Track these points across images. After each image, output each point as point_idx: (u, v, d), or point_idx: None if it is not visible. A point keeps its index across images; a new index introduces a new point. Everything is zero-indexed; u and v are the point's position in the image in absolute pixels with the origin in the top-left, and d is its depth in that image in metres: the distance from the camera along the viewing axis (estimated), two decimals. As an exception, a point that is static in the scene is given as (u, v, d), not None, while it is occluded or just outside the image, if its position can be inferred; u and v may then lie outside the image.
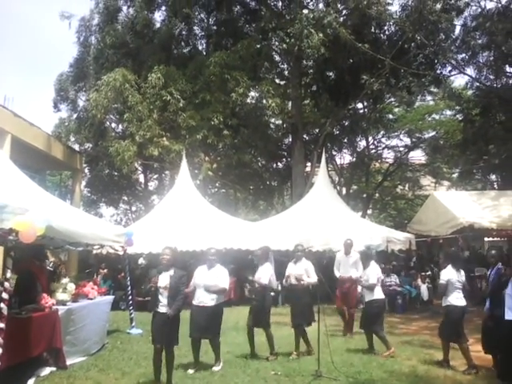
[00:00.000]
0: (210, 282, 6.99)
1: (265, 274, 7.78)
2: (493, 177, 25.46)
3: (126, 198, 32.20)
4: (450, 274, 7.17)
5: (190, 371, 6.82)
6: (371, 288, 8.13)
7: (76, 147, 24.93)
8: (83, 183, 26.63)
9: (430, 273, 15.62)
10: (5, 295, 5.69)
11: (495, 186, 24.95)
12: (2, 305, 5.61)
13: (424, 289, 14.06)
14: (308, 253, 12.70)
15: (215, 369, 6.95)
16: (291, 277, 8.00)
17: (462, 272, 7.29)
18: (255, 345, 7.82)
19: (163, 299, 6.00)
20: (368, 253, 8.93)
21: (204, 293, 7.00)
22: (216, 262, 7.22)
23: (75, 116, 26.02)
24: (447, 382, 6.42)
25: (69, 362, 7.15)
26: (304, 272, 8.01)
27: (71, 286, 8.23)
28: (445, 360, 7.24)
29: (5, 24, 66.48)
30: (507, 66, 18.30)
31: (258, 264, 8.19)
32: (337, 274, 9.96)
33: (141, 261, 17.23)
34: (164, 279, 6.05)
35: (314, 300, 7.49)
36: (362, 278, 8.37)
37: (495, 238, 21.79)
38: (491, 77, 19.06)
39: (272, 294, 12.87)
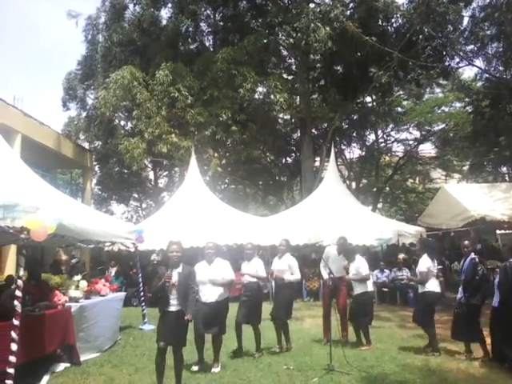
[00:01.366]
0: (214, 277, 6.85)
1: (260, 267, 7.74)
2: (504, 169, 25.29)
3: (136, 195, 32.39)
4: (428, 262, 7.66)
5: (195, 368, 6.76)
6: (364, 280, 8.08)
7: (86, 145, 25.11)
8: (94, 181, 26.87)
9: (441, 266, 15.52)
10: (18, 293, 5.75)
11: (506, 178, 24.76)
12: (16, 302, 5.67)
13: (437, 283, 13.96)
14: (318, 247, 12.73)
15: (215, 370, 6.72)
16: (275, 272, 7.92)
17: (436, 261, 7.82)
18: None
19: (172, 297, 5.77)
20: (352, 247, 8.73)
21: (210, 289, 6.83)
22: (215, 255, 7.02)
23: (84, 114, 26.20)
24: (460, 374, 6.40)
25: (82, 358, 7.22)
26: (287, 267, 7.89)
27: (83, 283, 8.30)
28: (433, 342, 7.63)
29: (13, 24, 66.91)
30: (517, 56, 18.09)
31: (246, 259, 7.90)
32: (324, 273, 8.48)
33: (153, 257, 17.34)
34: (172, 276, 5.82)
35: (296, 295, 7.63)
36: (350, 272, 8.13)
37: (507, 231, 21.64)
38: (500, 68, 18.85)
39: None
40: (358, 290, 8.12)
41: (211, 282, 6.83)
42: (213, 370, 6.73)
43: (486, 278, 7.41)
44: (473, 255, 7.50)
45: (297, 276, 7.95)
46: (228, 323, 7.12)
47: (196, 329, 6.81)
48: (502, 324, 6.86)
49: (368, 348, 7.82)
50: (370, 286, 8.24)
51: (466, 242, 7.76)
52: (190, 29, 22.99)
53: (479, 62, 19.16)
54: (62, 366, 6.84)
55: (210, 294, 6.82)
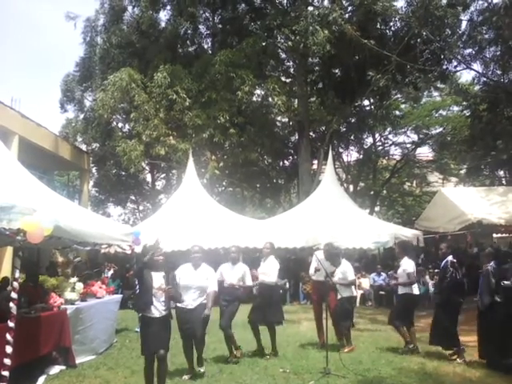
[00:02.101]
0: (200, 282, 6.54)
1: (247, 274, 7.71)
2: (501, 172, 25.29)
3: (133, 198, 32.39)
4: (412, 263, 7.89)
5: (186, 377, 6.48)
6: (351, 284, 8.05)
7: (83, 147, 25.12)
8: (91, 183, 26.82)
9: (437, 270, 15.54)
10: (14, 295, 5.72)
11: (503, 181, 24.77)
12: (12, 304, 5.65)
13: (432, 285, 14.01)
14: (315, 250, 12.71)
15: (201, 370, 6.66)
16: (259, 276, 7.89)
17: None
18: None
19: (157, 302, 5.45)
20: (336, 252, 8.43)
21: (193, 294, 6.50)
22: (201, 260, 6.71)
23: (82, 116, 26.23)
24: (456, 378, 6.40)
25: (78, 360, 7.20)
26: (268, 271, 7.82)
27: (79, 285, 8.27)
28: (407, 343, 7.83)
29: (11, 25, 66.89)
30: (514, 60, 18.14)
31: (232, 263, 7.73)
32: (313, 276, 8.39)
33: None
34: (157, 280, 5.51)
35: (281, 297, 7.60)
36: (336, 276, 7.97)
37: (504, 234, 21.66)
38: (498, 72, 18.89)
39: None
40: (344, 294, 7.92)
41: (198, 288, 6.52)
42: (199, 369, 6.69)
43: (458, 281, 7.43)
44: (450, 258, 7.59)
45: (271, 279, 7.74)
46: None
47: (184, 336, 6.57)
48: (483, 327, 7.14)
49: (349, 349, 7.80)
50: (354, 291, 8.20)
51: (443, 245, 8.08)
52: (189, 31, 23.06)
53: (477, 66, 19.19)
54: (57, 369, 6.81)
55: (192, 300, 6.49)
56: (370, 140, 28.99)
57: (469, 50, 18.67)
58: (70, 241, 7.91)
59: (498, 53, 18.04)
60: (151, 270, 5.55)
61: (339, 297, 7.94)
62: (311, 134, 23.87)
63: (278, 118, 23.97)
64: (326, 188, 16.80)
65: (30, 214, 5.80)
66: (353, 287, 8.20)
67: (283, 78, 22.35)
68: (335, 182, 17.81)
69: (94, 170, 27.53)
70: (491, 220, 13.52)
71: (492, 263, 7.18)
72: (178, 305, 6.47)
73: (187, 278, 6.51)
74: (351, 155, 29.81)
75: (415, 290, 7.96)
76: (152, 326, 5.42)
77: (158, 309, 5.46)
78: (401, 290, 7.93)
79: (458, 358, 7.34)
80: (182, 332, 6.57)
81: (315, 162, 23.57)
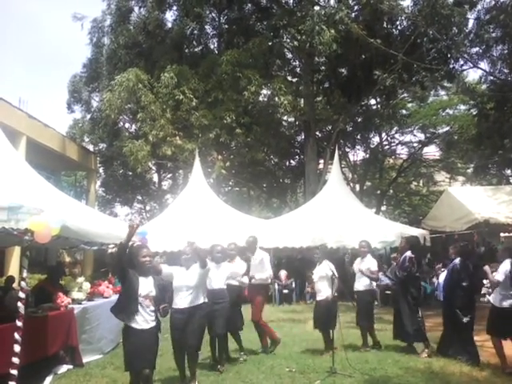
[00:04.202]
0: (191, 283, 6.08)
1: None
2: (508, 171, 25.18)
3: (140, 198, 32.48)
4: (375, 263, 8.03)
5: None
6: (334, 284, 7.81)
7: (90, 148, 25.26)
8: (98, 183, 26.97)
9: (444, 269, 15.47)
10: (22, 294, 5.77)
11: (511, 180, 24.65)
12: (19, 304, 5.69)
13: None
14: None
15: None
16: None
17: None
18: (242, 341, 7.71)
19: (144, 312, 4.86)
20: (323, 251, 8.49)
21: (184, 294, 6.06)
22: (193, 260, 6.22)
23: (89, 117, 26.36)
24: (463, 378, 6.37)
25: (85, 360, 7.23)
26: (237, 271, 7.56)
27: (86, 285, 8.33)
28: (375, 343, 8.06)
29: (19, 26, 67.27)
30: (522, 59, 18.03)
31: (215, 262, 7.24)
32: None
33: (157, 259, 17.33)
34: (145, 286, 4.93)
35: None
36: (318, 275, 7.85)
37: (511, 234, 21.52)
38: (505, 70, 18.78)
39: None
40: (322, 294, 7.76)
41: (191, 289, 6.07)
42: None
43: (414, 275, 7.82)
44: (408, 253, 7.87)
45: (245, 280, 7.62)
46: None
47: (174, 341, 6.07)
48: (445, 320, 7.55)
49: (329, 354, 7.43)
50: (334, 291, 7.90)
51: (403, 239, 8.44)
52: (195, 31, 23.11)
53: (484, 65, 19.07)
54: (64, 368, 6.85)
55: (184, 300, 6.04)
56: (376, 139, 28.96)
57: (476, 49, 18.60)
58: (78, 241, 7.95)
59: (506, 51, 17.92)
60: (139, 274, 4.97)
61: (318, 298, 7.82)
62: (317, 133, 23.88)
63: (285, 118, 23.97)
64: (332, 187, 16.81)
65: (37, 214, 5.84)
66: (333, 287, 7.73)
67: (289, 78, 22.37)
68: (341, 182, 17.81)
69: (101, 170, 27.65)
70: (498, 219, 13.49)
71: (458, 259, 7.41)
72: (173, 306, 6.07)
73: (179, 278, 6.13)
74: (358, 154, 29.82)
75: (372, 286, 8.18)
76: (137, 339, 4.79)
77: (145, 319, 4.86)
78: (363, 287, 7.88)
79: (423, 351, 7.56)
80: (172, 340, 6.06)
81: (321, 161, 23.56)
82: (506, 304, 6.73)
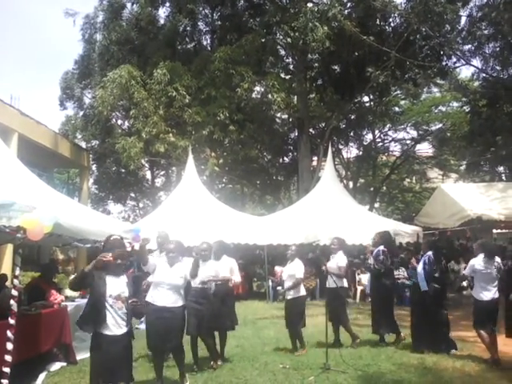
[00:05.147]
0: (174, 280, 5.84)
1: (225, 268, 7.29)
2: (501, 168, 25.29)
3: (133, 195, 32.37)
4: (344, 259, 8.07)
5: None
6: (298, 284, 7.76)
7: (83, 144, 25.12)
8: (91, 180, 26.85)
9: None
10: (14, 292, 5.74)
11: (503, 177, 24.78)
12: (12, 301, 5.66)
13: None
14: (315, 247, 12.74)
15: None
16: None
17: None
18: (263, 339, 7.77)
19: (115, 315, 4.38)
20: (297, 249, 8.30)
21: (165, 292, 5.79)
22: (177, 257, 6.01)
23: (81, 113, 26.22)
24: (455, 373, 6.41)
25: (79, 357, 7.19)
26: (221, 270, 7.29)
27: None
28: (336, 340, 8.01)
29: (10, 22, 66.78)
30: (513, 56, 18.12)
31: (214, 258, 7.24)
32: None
33: (151, 256, 17.30)
34: (115, 287, 4.45)
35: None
36: (287, 273, 7.84)
37: (504, 230, 21.62)
38: (498, 67, 18.89)
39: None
40: (292, 293, 7.72)
41: (172, 286, 5.82)
42: None
43: (388, 267, 8.18)
44: (381, 247, 8.18)
45: (236, 278, 7.44)
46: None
47: (151, 341, 5.82)
48: (414, 312, 7.84)
49: (302, 353, 7.52)
50: (302, 290, 7.86)
51: (376, 236, 8.65)
52: (188, 28, 23.06)
53: (476, 62, 19.17)
54: (58, 365, 6.83)
55: (163, 298, 5.77)
56: (369, 136, 29.07)
57: (468, 46, 18.71)
58: (70, 238, 7.91)
59: (498, 48, 18.04)
60: (107, 273, 4.52)
61: (288, 297, 7.75)
62: (311, 130, 23.89)
63: (278, 115, 23.95)
64: (325, 185, 16.83)
65: (29, 211, 5.80)
66: (301, 287, 7.84)
67: (282, 75, 22.32)
68: (335, 179, 17.84)
69: (93, 167, 27.52)
70: (491, 216, 13.53)
71: (430, 252, 7.75)
72: (150, 301, 5.81)
73: (161, 274, 5.86)
74: (351, 152, 29.91)
75: (345, 283, 8.19)
76: (108, 347, 4.27)
77: (117, 323, 4.36)
78: (334, 284, 7.81)
79: (396, 342, 7.93)
80: (150, 341, 5.78)
81: (315, 158, 23.59)
82: (485, 297, 6.92)
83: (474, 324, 7.08)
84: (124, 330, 4.39)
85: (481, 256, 7.10)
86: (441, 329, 7.51)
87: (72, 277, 4.47)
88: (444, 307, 7.68)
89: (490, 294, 6.92)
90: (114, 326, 4.34)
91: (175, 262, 5.96)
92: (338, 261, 8.00)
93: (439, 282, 7.56)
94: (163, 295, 5.78)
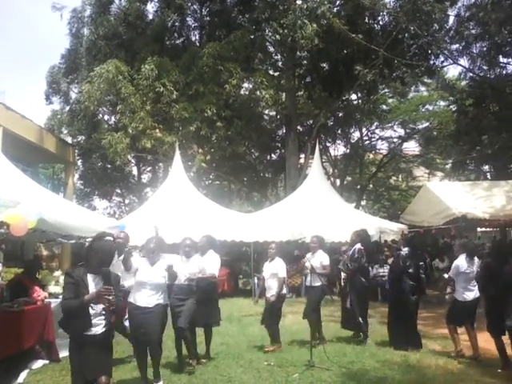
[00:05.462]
0: (156, 281, 5.79)
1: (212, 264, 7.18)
2: (486, 167, 25.54)
3: (119, 191, 32.15)
4: (327, 257, 8.13)
5: None
6: (283, 283, 7.75)
7: (69, 140, 24.90)
8: (76, 176, 26.62)
9: (422, 263, 15.65)
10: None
11: (488, 176, 25.02)
12: (-6, 298, 5.61)
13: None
14: (301, 244, 12.78)
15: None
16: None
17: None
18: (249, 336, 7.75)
19: (97, 315, 4.16)
20: (278, 248, 8.31)
21: (148, 292, 5.75)
22: (158, 255, 5.93)
23: (68, 108, 25.97)
24: (438, 370, 6.47)
25: (62, 354, 7.10)
26: (206, 265, 7.21)
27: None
28: (321, 337, 8.03)
29: (-4, 15, 65.87)
30: (500, 56, 18.26)
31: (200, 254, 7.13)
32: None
33: (135, 253, 17.21)
34: (96, 285, 4.16)
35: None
36: (269, 272, 7.72)
37: (488, 229, 21.84)
38: (485, 67, 19.03)
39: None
40: (273, 292, 7.62)
41: (154, 285, 5.77)
42: None
43: (363, 265, 8.29)
44: (358, 245, 8.31)
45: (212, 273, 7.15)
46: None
47: (137, 343, 5.87)
48: (391, 308, 7.99)
49: (274, 349, 7.51)
50: (284, 289, 7.85)
51: (353, 235, 8.71)
52: (176, 23, 22.92)
53: (464, 61, 19.31)
54: (40, 363, 6.76)
55: (146, 298, 5.73)
56: (357, 134, 29.23)
57: (456, 46, 18.83)
58: (55, 234, 7.86)
59: (485, 48, 18.16)
60: (89, 271, 4.21)
61: (269, 295, 7.67)
62: (298, 127, 23.90)
63: (266, 112, 23.96)
64: (312, 182, 16.86)
65: (13, 206, 5.75)
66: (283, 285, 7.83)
67: (271, 72, 22.32)
68: (322, 176, 17.88)
69: (79, 162, 27.28)
70: (476, 214, 13.63)
71: (406, 249, 7.92)
72: (131, 301, 5.78)
73: (142, 273, 5.78)
74: (338, 149, 30.02)
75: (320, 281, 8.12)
76: (88, 347, 4.09)
77: (97, 323, 4.16)
78: (316, 282, 7.86)
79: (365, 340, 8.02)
80: (134, 338, 5.85)
81: (302, 155, 23.62)
82: (468, 297, 7.06)
83: (449, 320, 7.27)
84: (103, 329, 4.19)
85: (463, 256, 7.20)
86: (414, 325, 7.71)
87: (66, 301, 3.97)
88: (417, 304, 7.83)
89: (472, 294, 7.05)
90: (94, 326, 4.14)
91: (156, 261, 5.87)
92: (322, 260, 8.00)
93: (413, 279, 7.68)
94: (145, 295, 5.73)
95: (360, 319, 8.07)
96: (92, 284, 4.14)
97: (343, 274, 8.70)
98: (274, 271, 7.67)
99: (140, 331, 5.67)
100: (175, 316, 6.47)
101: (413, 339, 7.60)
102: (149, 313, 5.62)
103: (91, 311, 4.11)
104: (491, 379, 6.11)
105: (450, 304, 7.45)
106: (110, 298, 3.99)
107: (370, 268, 14.45)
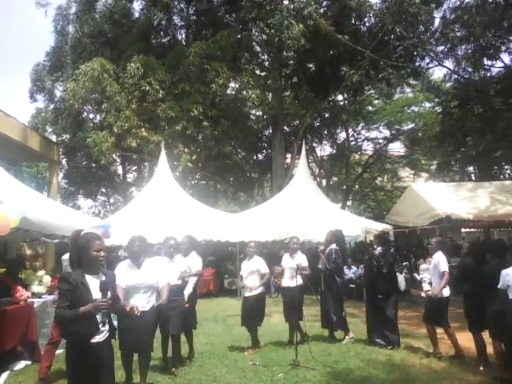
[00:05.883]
0: (146, 281, 5.60)
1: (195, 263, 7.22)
2: (470, 168, 25.76)
3: (104, 190, 31.94)
4: (305, 258, 8.16)
5: None
6: (268, 278, 7.85)
7: (53, 138, 24.66)
8: (60, 175, 26.35)
9: (406, 263, 15.79)
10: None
11: (472, 177, 25.27)
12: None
13: (401, 279, 14.19)
14: (287, 244, 12.76)
15: None
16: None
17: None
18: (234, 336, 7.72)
19: (100, 321, 3.85)
20: (257, 246, 8.25)
21: (142, 296, 5.56)
22: (144, 256, 5.74)
23: (52, 106, 25.75)
24: (422, 369, 6.51)
25: (44, 355, 7.06)
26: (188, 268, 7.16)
27: (47, 279, 8.14)
28: (303, 335, 7.90)
29: (-21, 12, 65.02)
30: (485, 58, 18.40)
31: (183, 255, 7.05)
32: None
33: (121, 252, 17.10)
34: (96, 288, 3.77)
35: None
36: (248, 270, 7.76)
37: (472, 229, 22.05)
38: (469, 69, 19.15)
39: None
40: (248, 291, 7.65)
41: (148, 287, 5.61)
42: None
43: (339, 265, 8.44)
44: (333, 246, 8.41)
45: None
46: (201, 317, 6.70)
47: (126, 349, 5.55)
48: (368, 307, 8.17)
49: (254, 351, 7.49)
50: (262, 287, 7.78)
51: (328, 235, 8.74)
52: (163, 22, 22.84)
53: (449, 63, 19.45)
54: (22, 364, 6.68)
55: (141, 302, 5.44)
56: (343, 135, 29.30)
57: (441, 48, 18.93)
58: (38, 233, 7.77)
59: (470, 51, 18.29)
60: (87, 273, 3.89)
61: (247, 295, 7.67)
62: (285, 128, 23.93)
63: (252, 112, 23.88)
64: (299, 182, 16.88)
65: (-5, 205, 5.67)
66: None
67: (258, 72, 22.29)
68: (308, 177, 17.91)
69: (63, 161, 27.05)
70: (460, 215, 13.76)
71: (379, 248, 8.08)
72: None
73: (132, 278, 5.55)
74: (324, 150, 30.09)
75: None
76: (92, 356, 3.73)
77: (100, 330, 3.84)
78: (293, 283, 7.82)
79: (345, 338, 8.18)
80: (122, 341, 5.43)
81: (289, 156, 23.66)
82: (445, 293, 7.16)
83: (428, 320, 7.33)
84: (106, 335, 3.89)
85: (440, 253, 7.30)
86: (391, 323, 7.80)
87: (60, 311, 3.50)
88: (395, 303, 7.91)
89: (447, 290, 7.18)
90: (98, 333, 3.82)
91: (142, 262, 5.69)
92: (302, 260, 7.99)
93: (388, 278, 7.84)
94: (139, 300, 5.48)
95: (334, 318, 8.20)
96: (92, 286, 3.78)
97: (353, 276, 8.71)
98: (253, 269, 7.67)
99: (133, 335, 5.39)
100: (165, 319, 6.22)
101: (390, 337, 7.70)
102: (143, 317, 5.19)
103: (98, 318, 3.80)
104: (474, 377, 6.17)
105: (427, 302, 7.49)
106: (106, 310, 3.76)
107: (356, 268, 14.66)
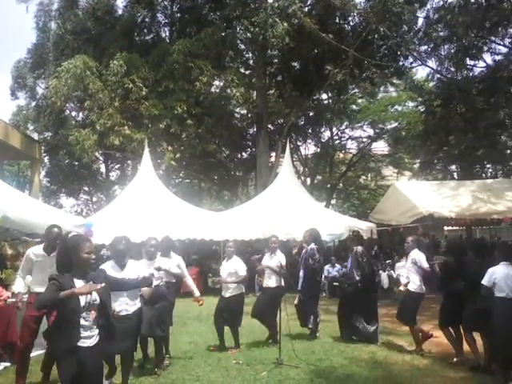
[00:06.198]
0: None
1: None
2: (453, 167, 26.03)
3: (86, 189, 31.69)
4: (283, 257, 8.19)
5: (106, 382, 5.30)
6: (244, 281, 7.78)
7: (35, 136, 24.45)
8: (42, 173, 26.13)
9: (390, 261, 15.88)
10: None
11: (455, 175, 25.53)
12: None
13: (384, 276, 14.30)
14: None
15: None
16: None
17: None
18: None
19: (89, 324, 3.67)
20: (236, 246, 8.24)
21: (125, 299, 5.35)
22: (128, 256, 5.56)
23: (34, 104, 25.50)
24: (405, 366, 6.56)
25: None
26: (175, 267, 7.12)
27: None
28: (274, 334, 7.68)
29: (-41, 7, 63.90)
30: (467, 58, 18.60)
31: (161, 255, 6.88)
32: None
33: (103, 251, 16.94)
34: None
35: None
36: (227, 271, 7.67)
37: (454, 227, 22.25)
38: (452, 69, 19.37)
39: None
40: (232, 291, 7.62)
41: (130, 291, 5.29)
42: None
43: (320, 264, 8.54)
44: (312, 245, 8.42)
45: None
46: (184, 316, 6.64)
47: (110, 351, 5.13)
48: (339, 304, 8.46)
49: (236, 351, 7.43)
50: (242, 288, 7.77)
51: (307, 234, 8.76)
52: (146, 19, 22.68)
53: (432, 63, 19.63)
54: (1, 366, 6.55)
55: (125, 305, 5.35)
56: (327, 134, 29.42)
57: (424, 47, 19.15)
58: (19, 232, 7.66)
59: (452, 50, 18.48)
60: (76, 277, 3.69)
61: (227, 295, 7.64)
62: (269, 126, 23.93)
63: (237, 110, 23.85)
64: (283, 181, 16.89)
65: (-27, 203, 5.57)
66: (243, 284, 7.85)
67: (242, 70, 22.23)
68: (292, 175, 17.95)
69: (45, 159, 26.79)
70: (442, 213, 13.87)
71: (359, 247, 8.24)
72: (117, 313, 5.25)
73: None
74: (309, 148, 30.17)
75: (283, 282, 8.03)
76: (78, 360, 3.58)
77: (89, 335, 3.69)
78: (274, 283, 7.89)
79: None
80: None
81: (273, 154, 23.67)
82: (422, 290, 7.33)
83: (404, 318, 7.51)
84: (96, 340, 3.73)
85: (417, 251, 7.43)
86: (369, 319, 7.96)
87: (41, 297, 3.59)
88: (373, 300, 8.11)
89: (422, 287, 7.33)
90: (87, 337, 3.66)
91: (126, 263, 5.49)
92: (281, 259, 7.97)
93: (366, 276, 7.96)
94: (124, 303, 5.33)
95: (311, 316, 8.31)
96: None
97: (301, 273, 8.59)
98: (232, 270, 7.58)
99: (115, 338, 5.00)
100: (147, 320, 6.02)
101: (366, 333, 7.86)
102: (128, 320, 5.22)
103: (83, 323, 3.63)
104: (455, 374, 6.23)
105: (403, 299, 7.62)
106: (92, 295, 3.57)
107: (340, 266, 14.71)
